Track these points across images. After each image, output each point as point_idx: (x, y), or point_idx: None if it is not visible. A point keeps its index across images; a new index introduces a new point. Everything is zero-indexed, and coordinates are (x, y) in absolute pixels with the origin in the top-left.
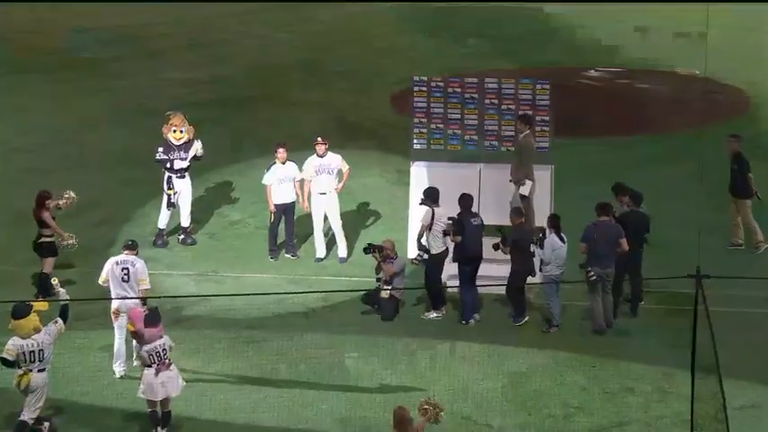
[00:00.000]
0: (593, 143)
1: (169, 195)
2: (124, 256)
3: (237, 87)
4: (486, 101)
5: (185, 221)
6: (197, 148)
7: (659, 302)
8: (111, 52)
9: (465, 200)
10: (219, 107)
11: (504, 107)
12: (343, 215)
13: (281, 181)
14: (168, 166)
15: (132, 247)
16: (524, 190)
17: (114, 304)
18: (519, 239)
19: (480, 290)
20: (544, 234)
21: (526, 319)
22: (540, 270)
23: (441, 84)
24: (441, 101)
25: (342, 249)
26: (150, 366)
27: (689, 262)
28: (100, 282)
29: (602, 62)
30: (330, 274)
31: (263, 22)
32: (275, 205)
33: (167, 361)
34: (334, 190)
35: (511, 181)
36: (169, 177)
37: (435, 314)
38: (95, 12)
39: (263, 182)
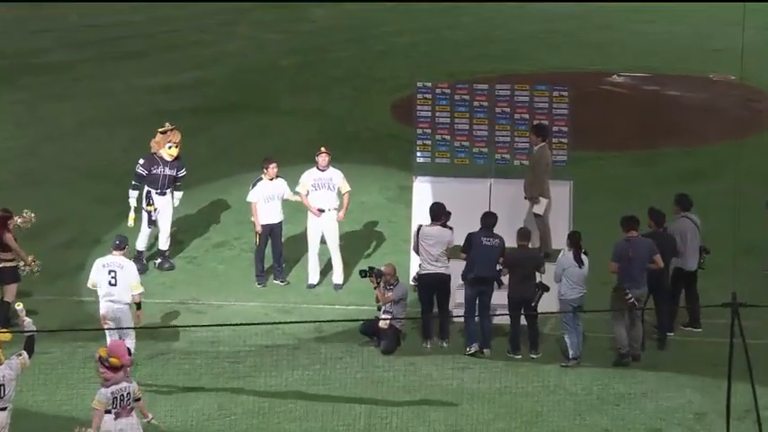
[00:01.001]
0: (616, 157)
1: (149, 212)
2: (111, 257)
3: (221, 93)
4: (498, 109)
5: (164, 244)
6: (177, 198)
7: (690, 333)
8: (79, 55)
9: (484, 218)
10: (201, 115)
11: (517, 116)
12: (339, 236)
13: (268, 199)
14: (149, 180)
15: (121, 246)
16: (538, 209)
17: (102, 310)
18: (516, 263)
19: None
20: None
21: (518, 356)
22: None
23: (447, 90)
24: (447, 109)
25: (338, 275)
26: (109, 411)
27: (724, 288)
28: (89, 285)
29: (627, 66)
30: (324, 302)
31: (250, 22)
32: (261, 225)
33: (129, 407)
34: (335, 212)
35: (526, 198)
36: (148, 192)
37: (424, 344)
38: (59, 10)
39: (248, 199)
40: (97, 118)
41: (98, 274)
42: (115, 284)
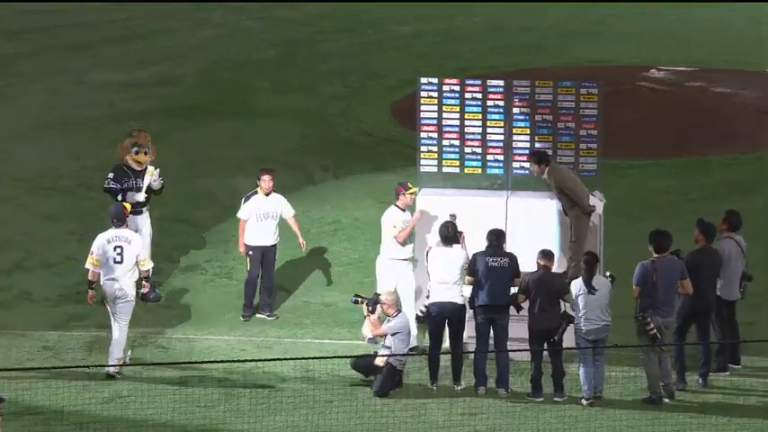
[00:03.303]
0: (654, 165)
1: None
2: (116, 231)
3: (190, 92)
4: (516, 110)
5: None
6: (152, 174)
7: (740, 372)
8: (21, 46)
9: (489, 235)
10: (167, 118)
11: (538, 118)
12: (330, 257)
13: (261, 217)
14: (121, 197)
15: (123, 218)
16: (599, 208)
17: (105, 290)
18: (535, 288)
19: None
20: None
21: (541, 399)
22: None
23: (456, 87)
24: (456, 110)
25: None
26: None
27: None
28: (91, 266)
29: (668, 59)
30: (311, 336)
31: (224, 8)
32: (252, 248)
33: None
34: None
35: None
36: None
37: (431, 386)
38: None
39: (238, 215)
40: (44, 121)
41: (103, 250)
42: (121, 261)
